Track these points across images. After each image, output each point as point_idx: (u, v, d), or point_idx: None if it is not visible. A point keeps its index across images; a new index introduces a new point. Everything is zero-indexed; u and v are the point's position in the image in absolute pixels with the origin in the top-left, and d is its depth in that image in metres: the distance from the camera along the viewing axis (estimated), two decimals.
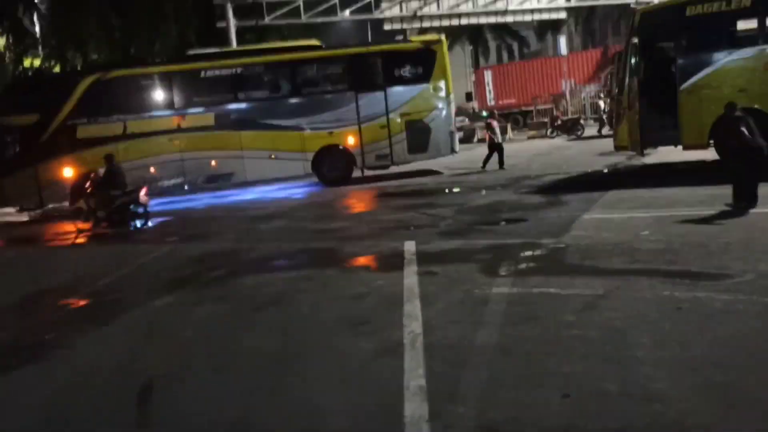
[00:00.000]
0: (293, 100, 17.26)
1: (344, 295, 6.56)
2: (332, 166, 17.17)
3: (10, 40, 29.41)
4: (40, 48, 31.00)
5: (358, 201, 14.56)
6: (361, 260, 8.23)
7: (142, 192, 13.01)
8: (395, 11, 30.27)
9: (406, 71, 17.19)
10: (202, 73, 17.06)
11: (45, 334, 6.36)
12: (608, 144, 17.26)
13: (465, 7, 30.98)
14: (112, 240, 12.33)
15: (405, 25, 30.51)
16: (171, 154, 16.63)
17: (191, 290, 7.56)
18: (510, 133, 30.22)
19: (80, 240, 12.75)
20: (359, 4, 29.74)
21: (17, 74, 28.27)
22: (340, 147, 17.10)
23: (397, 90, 17.11)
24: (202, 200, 16.85)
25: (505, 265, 7.06)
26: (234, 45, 27.70)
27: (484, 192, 13.33)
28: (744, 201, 8.74)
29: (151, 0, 26.85)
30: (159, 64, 18.78)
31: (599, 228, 8.48)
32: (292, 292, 6.90)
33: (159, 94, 17.24)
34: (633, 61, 13.05)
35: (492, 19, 31.40)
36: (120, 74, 17.04)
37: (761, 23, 12.15)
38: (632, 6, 15.68)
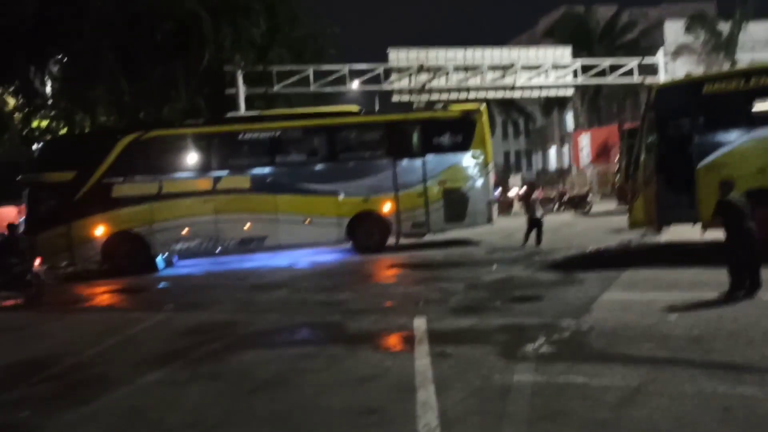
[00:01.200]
0: (330, 165, 17.03)
1: (350, 378, 5.98)
2: (367, 233, 16.82)
3: (20, 101, 29.60)
4: (49, 109, 31.17)
5: (367, 270, 14.04)
6: (368, 337, 7.64)
7: (37, 261, 12.84)
8: (404, 83, 30.60)
9: (445, 139, 17.01)
10: (240, 136, 17.05)
11: (19, 412, 5.77)
12: (617, 221, 16.92)
13: (473, 82, 31.36)
14: (103, 306, 11.77)
15: (413, 98, 30.70)
16: (205, 215, 16.36)
17: (182, 366, 6.98)
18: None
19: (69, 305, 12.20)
20: (368, 76, 30.08)
21: (25, 134, 28.27)
22: (376, 214, 16.79)
23: (436, 158, 16.92)
24: (221, 264, 16.46)
25: (524, 349, 6.50)
26: (242, 112, 27.87)
27: (494, 267, 12.82)
28: (743, 289, 8.22)
29: (162, 65, 27.10)
30: (198, 126, 18.73)
31: (622, 309, 7.94)
32: (293, 373, 6.32)
33: (196, 155, 17.13)
34: (649, 137, 12.77)
35: (500, 94, 31.70)
36: (158, 134, 17.03)
37: None
38: (645, 83, 15.58)
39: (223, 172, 16.71)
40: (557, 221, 24.02)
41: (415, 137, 17.09)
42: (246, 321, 9.19)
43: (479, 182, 16.95)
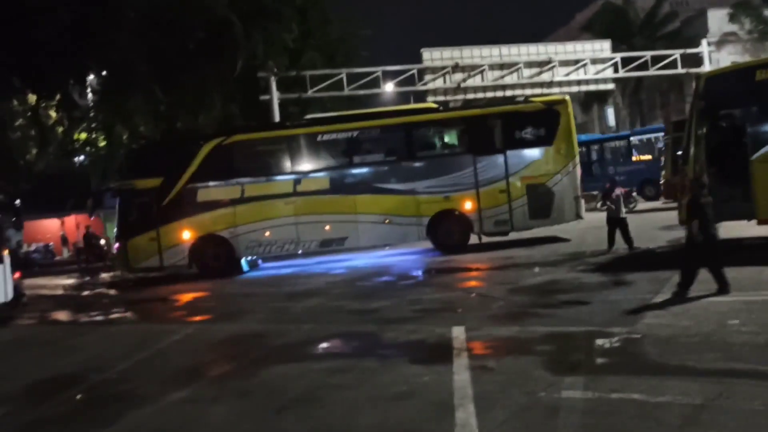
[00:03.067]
0: (409, 164, 16.77)
1: (384, 395, 5.57)
2: (448, 232, 16.39)
3: (61, 114, 30.05)
4: (89, 122, 31.58)
5: (400, 274, 13.64)
6: (404, 349, 7.23)
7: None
8: (438, 83, 30.12)
9: (527, 133, 16.37)
10: (319, 137, 16.98)
11: None
12: (664, 217, 16.17)
13: (509, 79, 30.74)
14: (135, 319, 11.63)
15: (449, 97, 30.19)
16: (286, 217, 16.38)
17: (210, 382, 6.68)
18: None
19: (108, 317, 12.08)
20: (402, 77, 29.70)
21: (66, 147, 28.69)
22: (457, 212, 16.35)
23: (518, 153, 16.31)
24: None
25: (572, 361, 6.01)
26: (277, 118, 27.76)
27: (537, 269, 12.28)
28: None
29: (195, 74, 27.16)
30: (278, 128, 18.92)
31: (677, 314, 7.36)
32: (324, 389, 5.95)
33: (276, 158, 17.34)
34: (698, 129, 12.06)
35: (537, 91, 30.81)
36: (239, 138, 17.20)
37: None
38: (693, 73, 14.75)
39: (303, 174, 16.64)
40: (602, 219, 23.23)
41: (495, 132, 16.52)
42: (277, 332, 8.86)
43: (565, 177, 16.16)
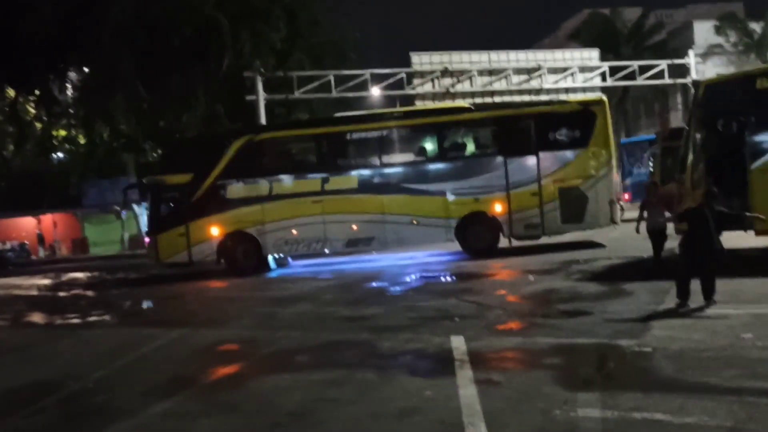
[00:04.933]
0: (439, 164, 16.42)
1: (385, 411, 5.19)
2: (477, 235, 16.02)
3: (40, 110, 29.36)
4: (69, 118, 30.91)
5: (388, 279, 13.26)
6: (403, 360, 6.85)
7: None
8: (427, 87, 29.87)
9: (561, 134, 15.88)
10: (348, 136, 16.77)
11: None
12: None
13: (498, 85, 30.56)
14: (114, 322, 11.14)
15: (437, 102, 29.93)
16: (313, 216, 16.22)
17: (196, 393, 6.25)
18: None
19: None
20: (391, 80, 29.39)
21: (45, 144, 28.03)
22: (486, 215, 15.95)
23: (551, 155, 15.80)
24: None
25: (584, 375, 5.67)
26: (263, 118, 27.31)
27: (532, 278, 11.97)
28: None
29: (181, 73, 26.65)
30: (308, 126, 18.77)
31: (686, 327, 7.07)
32: (320, 403, 5.55)
33: (304, 156, 17.48)
34: (697, 137, 11.85)
35: (526, 97, 30.65)
36: (269, 136, 17.19)
37: None
38: (695, 80, 14.58)
39: (331, 173, 16.44)
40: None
41: (528, 133, 16.07)
42: (266, 339, 8.44)
43: (601, 180, 15.66)
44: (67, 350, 9.07)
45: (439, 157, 16.46)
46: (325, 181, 16.29)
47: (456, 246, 16.38)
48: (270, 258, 16.94)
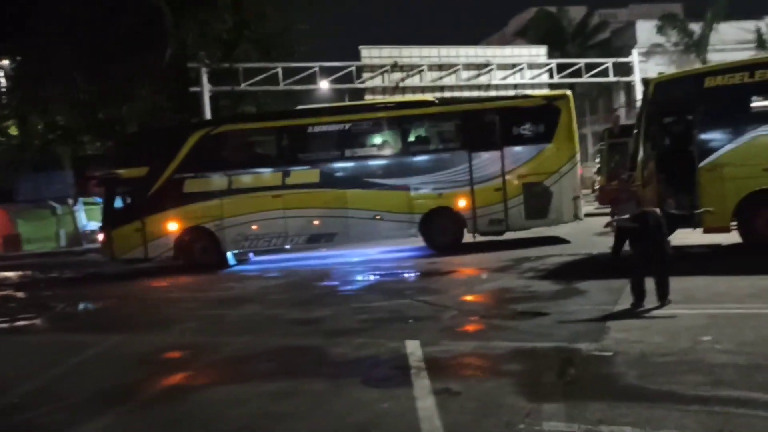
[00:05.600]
0: (402, 159, 16.15)
1: (342, 427, 4.88)
2: (441, 230, 15.78)
3: None
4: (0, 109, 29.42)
5: (337, 278, 12.92)
6: (356, 368, 6.54)
7: None
8: (377, 81, 29.58)
9: (526, 129, 15.70)
10: (310, 129, 16.32)
11: None
12: (601, 223, 15.96)
13: (448, 80, 30.52)
14: (45, 327, 10.48)
15: (386, 96, 29.65)
16: (274, 211, 15.83)
17: (134, 408, 5.80)
18: None
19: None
20: (340, 74, 28.96)
21: None
22: (450, 210, 15.71)
23: (515, 150, 15.65)
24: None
25: (545, 383, 5.47)
26: (208, 111, 26.51)
27: (484, 276, 11.82)
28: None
29: (121, 62, 25.63)
30: (268, 119, 18.18)
31: (643, 329, 6.96)
32: (270, 418, 5.19)
33: (265, 149, 17.13)
34: (647, 134, 11.90)
35: (475, 93, 30.65)
36: (228, 129, 16.79)
37: None
38: (642, 79, 14.58)
39: (292, 167, 16.07)
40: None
41: (493, 127, 15.88)
42: (212, 345, 7.99)
43: (565, 176, 15.51)
44: None
45: (403, 151, 16.22)
46: (285, 175, 15.96)
47: (421, 241, 16.19)
48: (229, 254, 16.47)
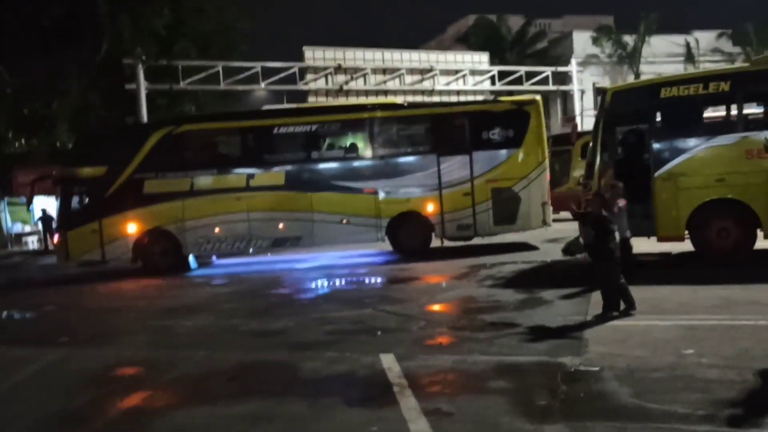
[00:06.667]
0: (369, 162, 15.77)
1: None
2: (409, 235, 15.49)
3: None
4: None
5: (294, 285, 12.45)
6: (333, 385, 6.15)
7: None
8: (320, 83, 29.25)
9: (494, 134, 15.39)
10: (275, 130, 15.89)
11: None
12: (551, 231, 16.09)
13: (392, 84, 30.48)
14: None
15: (330, 99, 29.27)
16: (237, 213, 15.39)
17: None
18: None
19: None
20: (283, 75, 28.40)
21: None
22: (418, 214, 15.37)
23: (484, 154, 15.36)
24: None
25: (539, 401, 5.23)
26: (144, 109, 25.45)
27: (444, 284, 11.60)
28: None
29: (50, 56, 24.28)
30: (231, 119, 17.41)
31: (623, 342, 6.83)
32: None
33: (229, 150, 16.74)
34: (603, 143, 11.95)
35: (418, 98, 30.66)
36: (190, 128, 16.29)
37: (740, 109, 11.41)
38: (599, 87, 14.64)
39: (257, 169, 15.67)
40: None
41: (461, 131, 15.61)
42: (167, 361, 7.43)
43: (533, 181, 15.31)
44: None
45: (371, 154, 15.90)
46: (249, 177, 15.54)
47: (389, 246, 15.91)
48: (191, 257, 15.93)
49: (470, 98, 32.51)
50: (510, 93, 37.31)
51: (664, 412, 4.81)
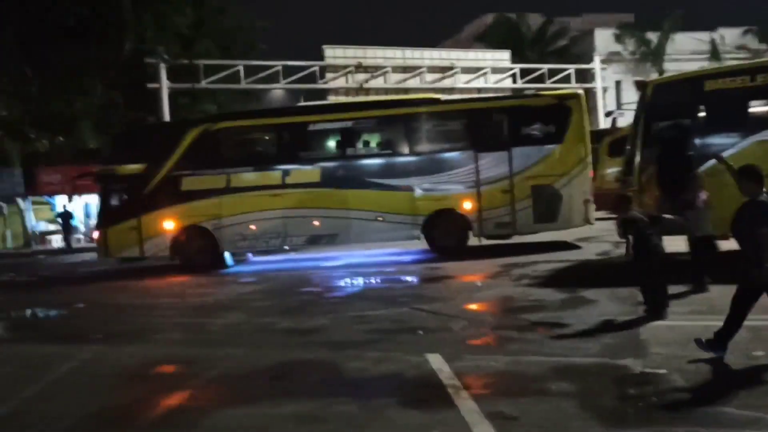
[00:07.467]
0: (406, 158, 15.50)
1: None
2: (445, 233, 15.17)
3: None
4: None
5: (325, 283, 12.21)
6: (382, 386, 5.89)
7: None
8: (340, 82, 29.01)
9: (535, 129, 15.04)
10: (311, 126, 15.88)
11: None
12: (583, 230, 15.72)
13: (412, 82, 30.18)
14: (10, 336, 9.47)
15: (350, 98, 29.06)
16: (273, 210, 15.28)
17: None
18: None
19: None
20: (303, 73, 28.21)
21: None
22: (455, 212, 15.08)
23: (524, 150, 14.95)
24: None
25: (608, 405, 4.94)
26: (166, 108, 25.38)
27: (479, 283, 11.31)
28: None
29: (75, 55, 24.28)
30: (267, 116, 17.41)
31: (683, 343, 6.46)
32: None
33: (264, 147, 16.78)
34: (644, 138, 11.59)
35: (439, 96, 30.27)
36: (227, 125, 16.13)
37: None
38: (639, 80, 14.06)
39: (293, 166, 15.49)
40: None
41: (501, 127, 15.42)
42: (205, 359, 7.21)
43: (575, 178, 14.87)
44: None
45: (407, 150, 15.62)
46: (285, 173, 15.40)
47: (416, 244, 15.66)
48: (227, 254, 15.92)
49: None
50: (541, 90, 37.23)
51: (749, 419, 4.49)
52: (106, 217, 15.71)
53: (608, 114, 31.31)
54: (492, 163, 15.05)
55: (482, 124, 15.56)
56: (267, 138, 16.50)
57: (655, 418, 4.63)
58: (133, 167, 15.34)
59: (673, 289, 8.07)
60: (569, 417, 4.73)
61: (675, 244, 10.57)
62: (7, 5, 22.78)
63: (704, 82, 11.30)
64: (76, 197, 17.64)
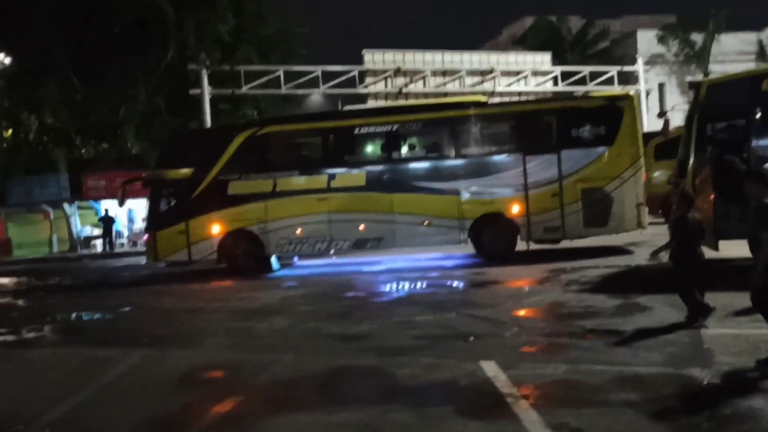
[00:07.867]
0: (453, 162, 15.34)
1: None
2: (493, 238, 15.01)
3: None
4: None
5: (369, 288, 12.09)
6: (437, 394, 5.73)
7: None
8: (380, 87, 29.01)
9: (585, 131, 14.78)
10: (357, 130, 15.72)
11: None
12: (635, 234, 15.30)
13: (451, 86, 29.99)
14: (58, 339, 9.55)
15: (390, 102, 28.99)
16: (318, 214, 15.35)
17: None
18: None
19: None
20: (342, 78, 28.25)
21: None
22: (503, 216, 14.91)
23: (574, 153, 14.68)
24: None
25: (679, 418, 4.70)
26: (208, 114, 25.65)
27: (527, 289, 11.06)
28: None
29: (119, 63, 24.69)
30: (314, 120, 17.51)
31: (750, 352, 6.19)
32: None
33: (310, 151, 16.78)
34: (698, 139, 11.22)
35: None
36: (273, 130, 16.29)
37: None
38: (692, 80, 13.66)
39: (338, 170, 15.52)
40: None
41: (550, 129, 15.23)
42: (254, 364, 7.13)
43: (627, 181, 14.55)
44: (4, 379, 7.47)
45: (453, 154, 15.45)
46: (331, 177, 15.42)
47: (460, 249, 15.52)
48: (273, 258, 16.06)
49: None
50: (587, 93, 36.67)
51: None
52: (155, 221, 15.89)
53: (661, 114, 30.53)
54: (541, 166, 14.77)
55: (531, 126, 15.29)
56: (313, 142, 16.49)
57: None
58: (181, 172, 15.49)
59: (736, 297, 7.68)
60: (638, 430, 4.50)
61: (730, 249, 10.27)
62: (54, 16, 23.20)
63: (762, 81, 10.86)
64: (128, 201, 17.68)
